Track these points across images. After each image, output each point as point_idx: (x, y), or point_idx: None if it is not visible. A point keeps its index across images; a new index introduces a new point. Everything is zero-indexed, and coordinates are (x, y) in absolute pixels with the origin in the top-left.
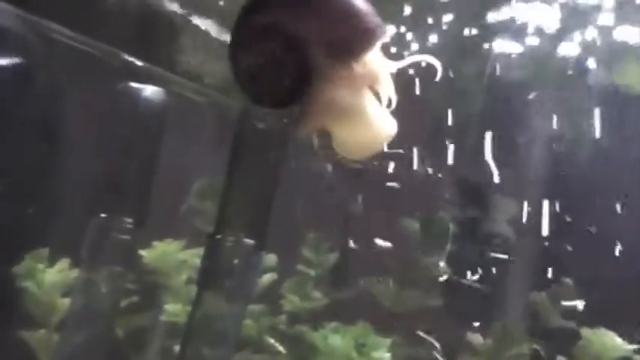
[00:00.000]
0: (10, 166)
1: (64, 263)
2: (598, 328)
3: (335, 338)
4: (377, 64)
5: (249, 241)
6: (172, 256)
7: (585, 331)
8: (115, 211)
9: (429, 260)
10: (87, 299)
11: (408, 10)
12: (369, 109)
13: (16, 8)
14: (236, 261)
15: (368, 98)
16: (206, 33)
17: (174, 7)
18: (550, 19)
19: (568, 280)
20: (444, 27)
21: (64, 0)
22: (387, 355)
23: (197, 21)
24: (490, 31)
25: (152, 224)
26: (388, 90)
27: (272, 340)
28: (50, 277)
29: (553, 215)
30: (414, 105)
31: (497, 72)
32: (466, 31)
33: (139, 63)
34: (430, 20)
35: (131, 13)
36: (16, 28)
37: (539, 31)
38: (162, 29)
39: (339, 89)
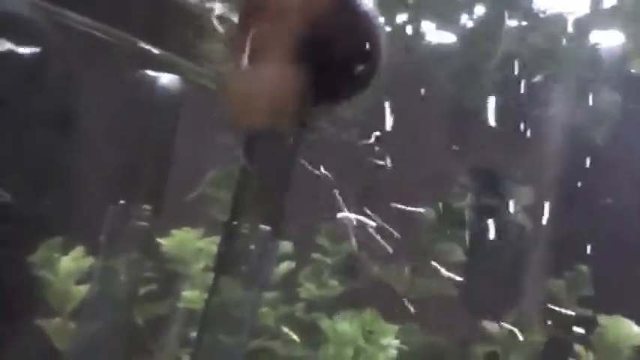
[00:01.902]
0: (25, 155)
1: (78, 251)
2: (615, 315)
3: (343, 325)
4: None
5: (266, 227)
6: (190, 244)
7: (602, 319)
8: (131, 200)
9: (444, 247)
10: (106, 286)
11: None
12: None
13: None
14: (252, 247)
15: None
16: (221, 18)
17: None
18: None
19: (584, 268)
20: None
21: None
22: (395, 341)
23: (212, 5)
24: (507, 16)
25: (169, 212)
26: None
27: (287, 329)
28: (65, 265)
29: (569, 203)
30: (429, 93)
31: (514, 58)
32: (484, 17)
33: (155, 50)
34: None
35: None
36: (32, 15)
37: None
38: (177, 15)
39: None
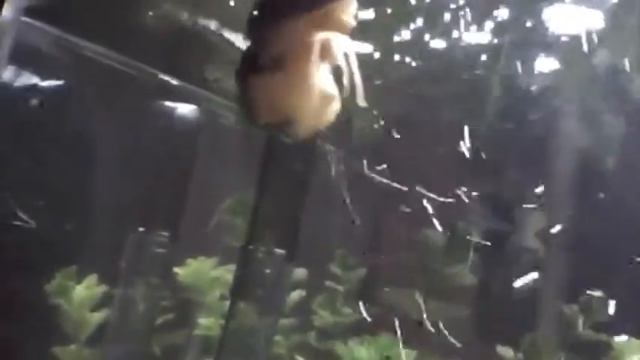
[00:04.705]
0: (46, 183)
1: (92, 279)
2: (630, 339)
3: (360, 350)
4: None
5: (281, 251)
6: (206, 273)
7: (617, 342)
8: (149, 227)
9: (454, 271)
10: (125, 314)
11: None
12: (318, 78)
13: (53, 27)
14: (268, 270)
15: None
16: (237, 48)
17: (206, 24)
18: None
19: (598, 293)
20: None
21: (99, 19)
22: None
23: (228, 36)
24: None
25: (185, 240)
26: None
27: (301, 359)
28: (79, 293)
29: (582, 227)
30: (439, 117)
31: (525, 84)
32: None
33: (173, 81)
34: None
35: (164, 30)
36: (53, 47)
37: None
38: (194, 47)
39: (298, 60)
